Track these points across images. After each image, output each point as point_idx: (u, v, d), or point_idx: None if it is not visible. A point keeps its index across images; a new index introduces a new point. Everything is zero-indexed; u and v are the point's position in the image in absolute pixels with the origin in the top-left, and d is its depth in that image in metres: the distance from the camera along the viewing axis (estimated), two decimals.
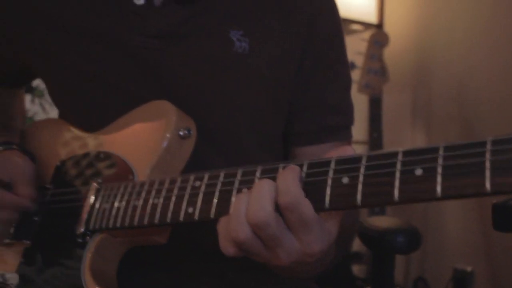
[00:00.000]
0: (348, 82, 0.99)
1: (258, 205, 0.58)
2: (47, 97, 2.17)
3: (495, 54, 2.26)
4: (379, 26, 2.74)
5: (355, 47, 2.52)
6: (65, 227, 0.84)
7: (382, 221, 1.27)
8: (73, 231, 0.81)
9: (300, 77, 0.93)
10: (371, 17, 2.74)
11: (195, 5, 0.89)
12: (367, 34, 2.62)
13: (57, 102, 1.02)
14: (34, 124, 1.11)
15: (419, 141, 2.63)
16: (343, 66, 0.98)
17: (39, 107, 2.27)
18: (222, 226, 0.62)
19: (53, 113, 1.97)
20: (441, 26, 2.55)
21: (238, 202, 0.60)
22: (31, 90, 2.20)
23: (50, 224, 0.88)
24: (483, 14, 2.32)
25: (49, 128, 1.03)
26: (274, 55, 0.91)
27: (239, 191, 0.64)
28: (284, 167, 0.61)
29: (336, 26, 0.97)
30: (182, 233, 0.78)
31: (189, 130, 0.81)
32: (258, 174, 0.63)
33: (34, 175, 0.92)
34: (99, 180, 0.83)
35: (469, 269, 2.24)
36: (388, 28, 2.76)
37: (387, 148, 2.43)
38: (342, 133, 0.96)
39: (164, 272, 0.92)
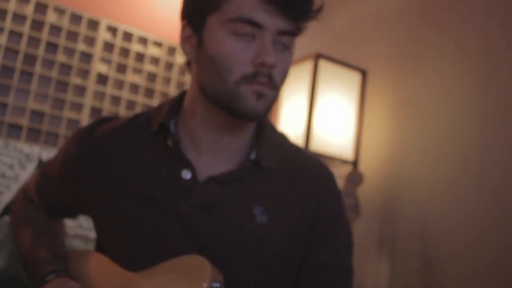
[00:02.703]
0: (349, 246, 1.24)
1: None
2: None
3: (457, 204, 2.54)
4: (355, 163, 3.04)
5: None
6: None
7: None
8: None
9: (310, 242, 1.18)
10: (348, 154, 3.04)
11: (230, 185, 1.15)
12: (343, 170, 2.91)
13: (102, 239, 1.25)
14: (77, 253, 1.32)
15: (383, 271, 2.86)
16: (347, 234, 1.23)
17: None
18: None
19: None
20: (410, 171, 2.84)
21: None
22: None
23: None
24: (450, 168, 2.62)
25: (91, 259, 1.25)
26: (288, 227, 1.16)
27: None
28: None
29: (340, 204, 1.24)
30: None
31: (220, 283, 1.04)
32: None
33: None
34: None
35: None
36: (362, 165, 3.06)
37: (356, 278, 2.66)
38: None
39: None
